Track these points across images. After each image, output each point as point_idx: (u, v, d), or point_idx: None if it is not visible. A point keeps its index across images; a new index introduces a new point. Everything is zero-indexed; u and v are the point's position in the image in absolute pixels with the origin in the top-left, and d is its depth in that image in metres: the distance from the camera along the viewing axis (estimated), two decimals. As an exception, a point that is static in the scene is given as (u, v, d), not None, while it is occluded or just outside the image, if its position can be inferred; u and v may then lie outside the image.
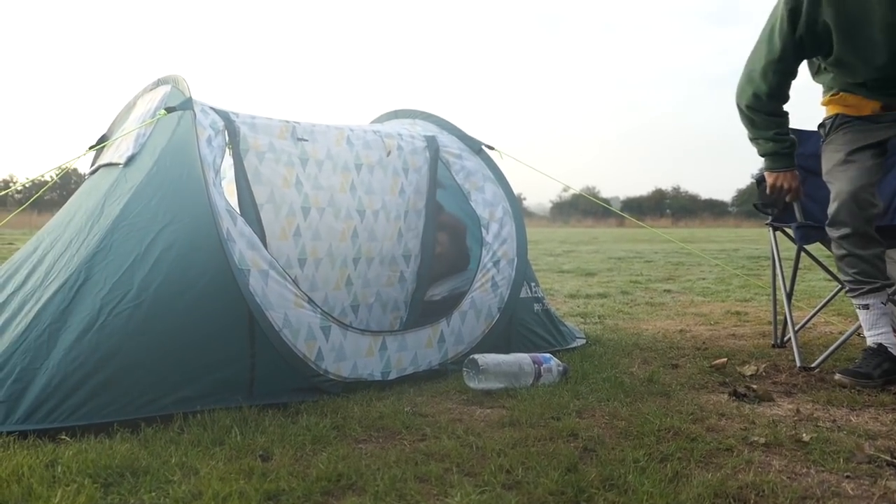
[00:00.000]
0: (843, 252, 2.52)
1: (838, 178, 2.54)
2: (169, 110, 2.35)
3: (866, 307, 2.53)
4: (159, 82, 2.62)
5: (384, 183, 2.95)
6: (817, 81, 2.79)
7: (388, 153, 2.95)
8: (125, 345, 1.94)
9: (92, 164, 2.75)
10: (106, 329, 1.93)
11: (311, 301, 2.30)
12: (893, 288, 2.75)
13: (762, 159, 2.81)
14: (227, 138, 2.46)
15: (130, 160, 2.37)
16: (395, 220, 3.02)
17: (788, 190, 2.78)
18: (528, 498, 1.47)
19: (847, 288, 2.56)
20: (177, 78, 2.51)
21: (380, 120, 3.44)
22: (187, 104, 2.36)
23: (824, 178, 2.66)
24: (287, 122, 2.69)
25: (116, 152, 2.50)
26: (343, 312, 2.89)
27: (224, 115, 2.47)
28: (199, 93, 2.44)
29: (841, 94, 2.64)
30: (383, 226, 2.98)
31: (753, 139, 2.78)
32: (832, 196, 2.54)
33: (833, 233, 2.53)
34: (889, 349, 2.49)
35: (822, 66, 2.67)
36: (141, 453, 1.70)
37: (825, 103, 2.73)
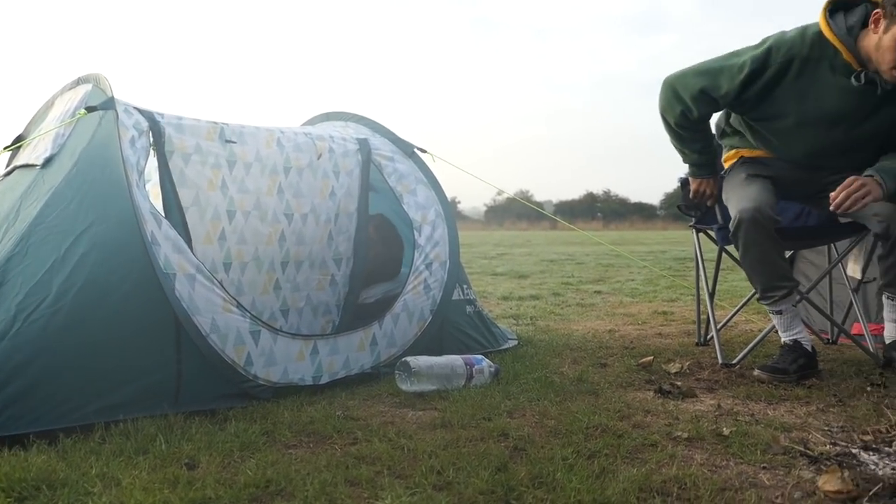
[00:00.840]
0: (748, 264, 2.61)
1: (739, 195, 2.62)
2: (89, 110, 2.27)
3: (779, 312, 2.64)
4: (79, 81, 2.53)
5: (314, 186, 2.92)
6: (722, 142, 2.94)
7: (319, 156, 2.92)
8: (42, 353, 1.86)
9: (7, 166, 2.64)
10: (21, 336, 1.85)
11: (239, 305, 2.26)
12: (805, 288, 2.89)
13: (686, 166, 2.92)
14: (151, 139, 2.39)
15: (48, 161, 2.28)
16: (326, 223, 3.00)
17: (710, 195, 2.90)
18: (458, 498, 1.48)
19: (759, 296, 2.66)
20: (98, 76, 2.43)
21: (312, 122, 3.40)
22: (109, 104, 2.29)
23: (724, 200, 2.77)
24: (215, 123, 2.64)
25: (33, 153, 2.40)
26: (272, 317, 2.85)
27: (148, 116, 2.41)
28: (122, 92, 2.37)
29: (744, 149, 2.81)
30: (312, 229, 2.94)
31: (679, 149, 2.88)
32: (734, 213, 2.56)
33: (738, 246, 2.60)
34: (804, 345, 2.60)
35: (728, 130, 2.83)
36: (59, 465, 1.63)
37: (727, 158, 2.87)
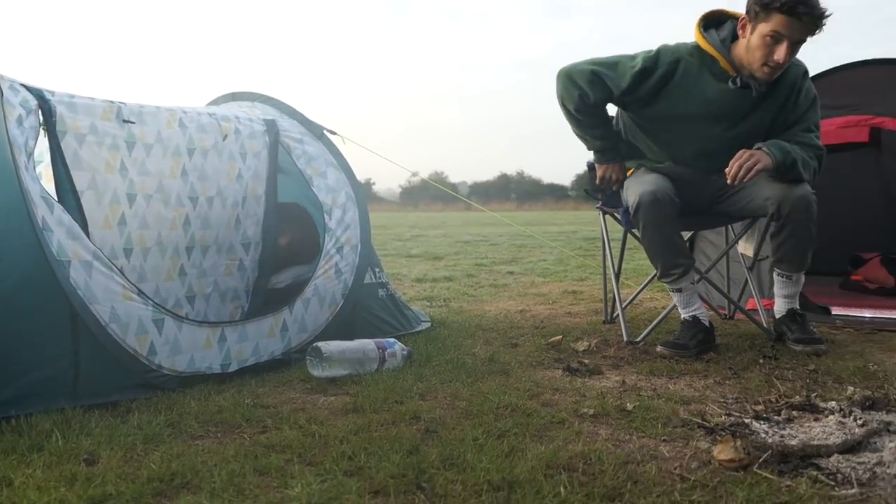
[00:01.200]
0: (647, 243, 2.73)
1: (639, 181, 2.77)
2: (-30, 87, 2.12)
3: (679, 290, 2.78)
4: (-42, 56, 2.36)
5: (220, 168, 2.83)
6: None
7: (225, 137, 2.83)
8: (-78, 347, 1.74)
9: None
10: None
11: (141, 293, 2.17)
12: (705, 267, 3.02)
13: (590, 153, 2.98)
14: (41, 118, 2.25)
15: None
16: (233, 206, 2.91)
17: (616, 180, 2.99)
18: (369, 483, 1.48)
19: (659, 274, 2.78)
20: (-21, 52, 2.27)
21: (216, 102, 3.29)
22: (-8, 81, 2.14)
23: (625, 190, 2.87)
24: (112, 102, 2.50)
25: None
26: (178, 304, 2.75)
27: (37, 93, 2.26)
28: (8, 68, 2.22)
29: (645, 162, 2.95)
30: (219, 213, 2.85)
31: (581, 136, 2.96)
32: (633, 197, 2.70)
33: (638, 228, 2.74)
34: (702, 320, 2.73)
35: (624, 149, 2.98)
36: (-57, 466, 1.54)
37: (629, 171, 3.00)
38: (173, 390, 2.17)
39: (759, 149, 2.57)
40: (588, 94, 2.74)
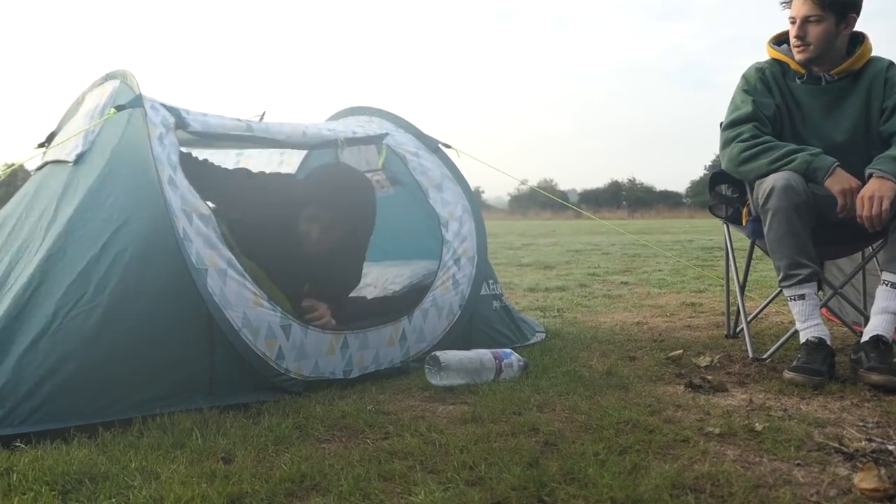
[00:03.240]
0: (773, 235, 2.55)
1: (773, 176, 2.58)
2: (118, 108, 2.31)
3: (801, 297, 2.54)
4: (107, 77, 2.57)
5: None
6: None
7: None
8: (81, 348, 1.90)
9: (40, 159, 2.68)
10: (61, 332, 1.89)
11: (270, 300, 2.28)
12: (839, 281, 2.83)
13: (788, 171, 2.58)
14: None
15: (80, 158, 2.32)
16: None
17: (857, 188, 2.51)
18: (490, 494, 1.49)
19: (781, 276, 2.57)
20: (125, 73, 2.46)
21: (336, 117, 3.42)
22: (137, 101, 2.32)
23: (755, 191, 2.69)
24: (240, 120, 2.66)
25: (64, 149, 2.45)
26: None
27: (175, 112, 2.43)
28: (149, 88, 2.40)
29: None
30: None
31: (783, 161, 2.60)
32: (766, 185, 2.58)
33: (765, 214, 2.56)
34: (828, 343, 2.49)
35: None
36: (99, 458, 1.67)
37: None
38: (299, 394, 2.27)
39: (870, 176, 2.50)
40: (759, 132, 2.72)
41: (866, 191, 2.47)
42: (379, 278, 3.35)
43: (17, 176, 3.02)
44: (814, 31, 2.68)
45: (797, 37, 2.71)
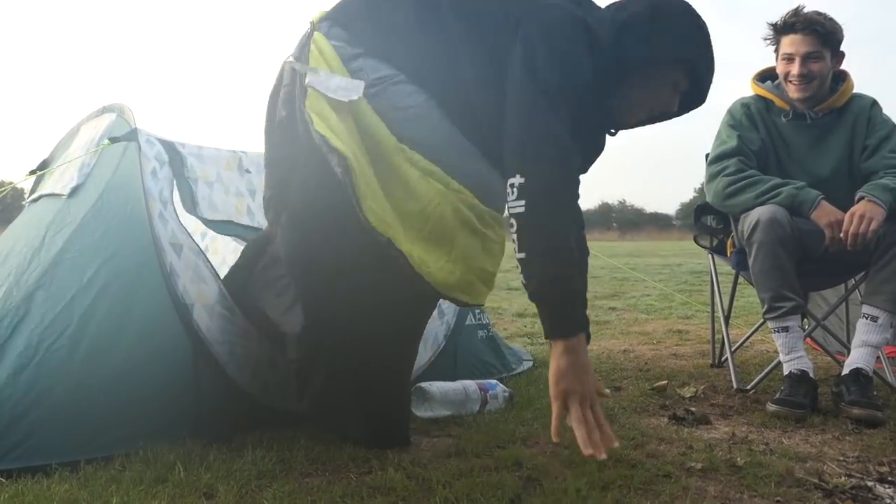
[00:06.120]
0: (757, 268, 2.58)
1: (757, 209, 2.62)
2: (113, 140, 2.32)
3: (786, 329, 2.57)
4: (104, 110, 2.58)
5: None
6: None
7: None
8: (63, 382, 1.89)
9: (32, 191, 2.69)
10: (43, 366, 1.88)
11: (259, 336, 2.28)
12: (822, 312, 2.86)
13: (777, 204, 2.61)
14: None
15: (74, 191, 2.32)
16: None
17: (841, 220, 2.52)
18: (472, 532, 1.50)
19: (766, 308, 2.60)
20: (122, 107, 2.48)
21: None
22: (132, 135, 2.34)
23: (740, 223, 2.72)
24: (234, 152, 2.68)
25: (59, 182, 2.45)
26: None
27: (169, 146, 2.45)
28: (145, 121, 2.41)
29: None
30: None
31: (769, 195, 2.63)
32: (751, 219, 2.61)
33: (750, 247, 2.59)
34: (811, 376, 2.53)
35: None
36: (80, 494, 1.67)
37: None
38: (284, 428, 2.26)
39: (861, 199, 2.52)
40: (744, 166, 2.75)
41: (856, 209, 2.48)
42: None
43: (7, 196, 2.99)
44: (815, 68, 2.68)
45: (801, 75, 2.68)
